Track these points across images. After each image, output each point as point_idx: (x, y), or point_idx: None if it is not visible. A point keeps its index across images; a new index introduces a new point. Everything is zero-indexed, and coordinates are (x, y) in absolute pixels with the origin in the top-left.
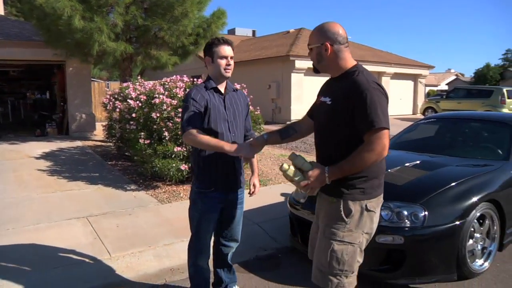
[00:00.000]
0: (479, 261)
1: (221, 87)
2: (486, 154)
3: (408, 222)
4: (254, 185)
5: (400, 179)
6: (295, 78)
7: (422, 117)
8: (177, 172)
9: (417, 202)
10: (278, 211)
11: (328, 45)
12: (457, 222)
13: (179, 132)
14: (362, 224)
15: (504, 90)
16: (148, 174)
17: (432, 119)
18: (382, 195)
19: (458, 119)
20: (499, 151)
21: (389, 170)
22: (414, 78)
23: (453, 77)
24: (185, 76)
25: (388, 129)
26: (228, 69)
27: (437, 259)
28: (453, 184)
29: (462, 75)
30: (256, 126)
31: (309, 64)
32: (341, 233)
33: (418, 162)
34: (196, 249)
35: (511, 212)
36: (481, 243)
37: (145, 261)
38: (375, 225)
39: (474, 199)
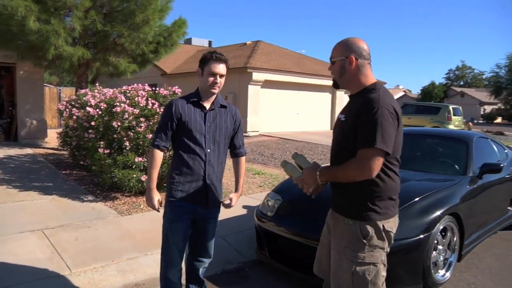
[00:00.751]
0: (441, 272)
1: (207, 102)
2: (445, 169)
3: None
4: (230, 199)
5: None
6: (252, 90)
7: None
8: (138, 183)
9: None
10: (242, 224)
11: (353, 58)
12: (422, 236)
13: (140, 142)
14: (382, 244)
15: (451, 107)
16: (106, 185)
17: None
18: (398, 215)
19: (417, 135)
20: (457, 167)
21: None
22: None
23: (402, 93)
24: (146, 84)
25: (385, 152)
26: (215, 87)
27: (405, 271)
28: (417, 199)
29: (410, 91)
30: None
31: (266, 76)
32: (362, 254)
33: None
34: (165, 260)
35: (469, 224)
36: (443, 254)
37: (109, 277)
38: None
39: (438, 213)
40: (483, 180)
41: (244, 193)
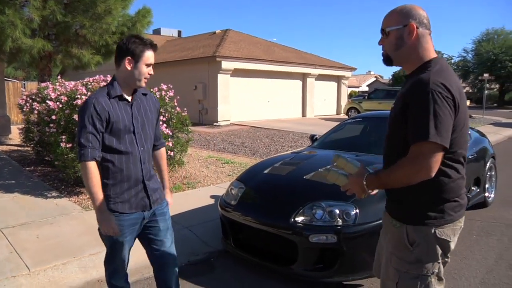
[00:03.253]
0: None
1: (129, 93)
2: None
3: (340, 221)
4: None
5: None
6: (222, 79)
7: (346, 117)
8: None
9: (348, 200)
10: (209, 214)
11: (414, 26)
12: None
13: None
14: (433, 253)
15: None
16: (70, 180)
17: (359, 119)
18: (461, 219)
19: (384, 119)
20: None
21: (319, 170)
22: (338, 79)
23: (373, 79)
24: (108, 76)
25: (442, 145)
26: (147, 79)
27: (369, 255)
28: None
29: (381, 77)
30: (184, 128)
31: (236, 65)
32: (407, 264)
33: None
34: (109, 269)
35: None
36: None
37: (70, 274)
38: (452, 249)
39: None
40: None
41: (212, 183)
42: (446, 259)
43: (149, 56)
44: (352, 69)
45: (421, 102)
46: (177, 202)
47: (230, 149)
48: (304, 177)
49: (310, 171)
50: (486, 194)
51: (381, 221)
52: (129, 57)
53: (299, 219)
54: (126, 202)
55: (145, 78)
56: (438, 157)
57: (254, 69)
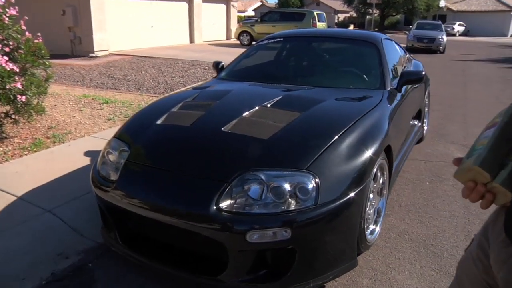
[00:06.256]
0: (372, 227)
1: None
2: (356, 82)
3: (293, 202)
4: None
5: (264, 129)
6: (95, 1)
7: (238, 42)
8: None
9: (301, 166)
10: (83, 183)
11: None
12: (353, 193)
13: None
14: None
15: (315, 13)
16: None
17: (278, 39)
18: None
19: (311, 38)
20: (369, 78)
21: (243, 115)
22: (227, 2)
23: (259, 3)
24: None
25: None
26: None
27: (337, 246)
28: (343, 130)
29: (266, 1)
30: (37, 62)
31: None
32: None
33: (279, 98)
34: None
35: (396, 154)
36: (373, 204)
37: None
38: None
39: (370, 153)
40: (401, 93)
41: (87, 132)
42: None
43: None
44: None
45: None
46: (36, 168)
47: (110, 84)
48: (223, 128)
49: (228, 117)
50: (425, 127)
51: (351, 193)
52: None
53: (225, 204)
54: None
55: None
56: None
57: None
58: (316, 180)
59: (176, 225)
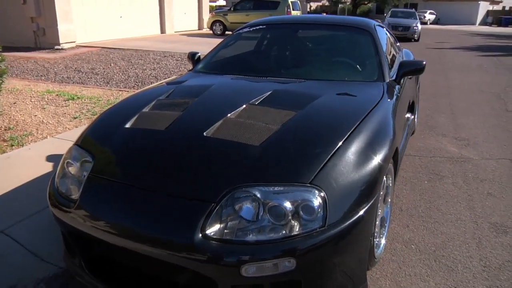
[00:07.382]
0: (377, 240)
1: None
2: (352, 75)
3: (296, 224)
4: None
5: (254, 133)
6: None
7: (210, 32)
8: None
9: (303, 179)
10: (45, 195)
11: None
12: (368, 203)
13: None
14: None
15: (289, 1)
16: None
17: (260, 26)
18: None
19: (298, 25)
20: (370, 70)
21: (228, 116)
22: None
23: None
24: None
25: None
26: None
27: (347, 269)
28: (348, 134)
29: None
30: None
31: None
32: None
33: (268, 94)
34: None
35: (400, 150)
36: (379, 213)
37: None
38: None
39: (378, 159)
40: (400, 85)
41: (50, 133)
42: None
43: None
44: None
45: None
46: None
47: (77, 79)
48: (205, 133)
49: (210, 118)
50: (415, 120)
51: (363, 209)
52: None
53: (213, 229)
54: None
55: None
56: None
57: None
58: (322, 195)
59: (152, 256)
